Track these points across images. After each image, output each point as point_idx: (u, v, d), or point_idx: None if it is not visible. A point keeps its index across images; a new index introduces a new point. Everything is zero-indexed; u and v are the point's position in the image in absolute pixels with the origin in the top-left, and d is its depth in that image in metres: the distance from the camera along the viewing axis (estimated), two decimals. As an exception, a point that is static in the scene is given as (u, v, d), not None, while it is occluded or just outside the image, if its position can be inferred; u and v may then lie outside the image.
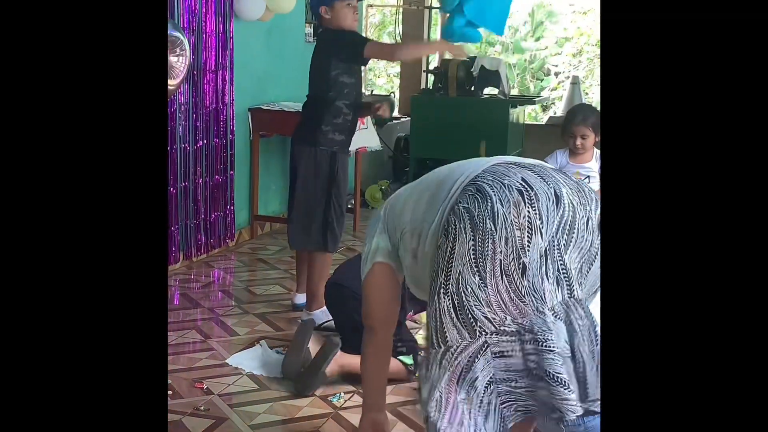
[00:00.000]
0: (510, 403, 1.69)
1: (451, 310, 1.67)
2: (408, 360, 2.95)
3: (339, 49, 3.43)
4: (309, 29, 5.81)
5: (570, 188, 1.71)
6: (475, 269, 1.65)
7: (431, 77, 8.11)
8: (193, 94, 4.37)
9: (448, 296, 1.67)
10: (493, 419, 1.68)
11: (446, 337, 1.68)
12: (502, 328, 1.64)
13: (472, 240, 1.65)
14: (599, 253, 1.70)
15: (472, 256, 1.65)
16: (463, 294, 1.66)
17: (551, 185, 1.69)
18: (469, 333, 1.66)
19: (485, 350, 1.66)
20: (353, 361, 2.81)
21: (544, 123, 8.60)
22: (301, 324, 3.10)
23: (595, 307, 2.14)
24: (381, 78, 12.16)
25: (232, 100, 4.72)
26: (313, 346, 2.95)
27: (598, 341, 1.65)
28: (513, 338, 1.65)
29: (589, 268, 1.70)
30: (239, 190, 4.94)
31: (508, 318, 1.64)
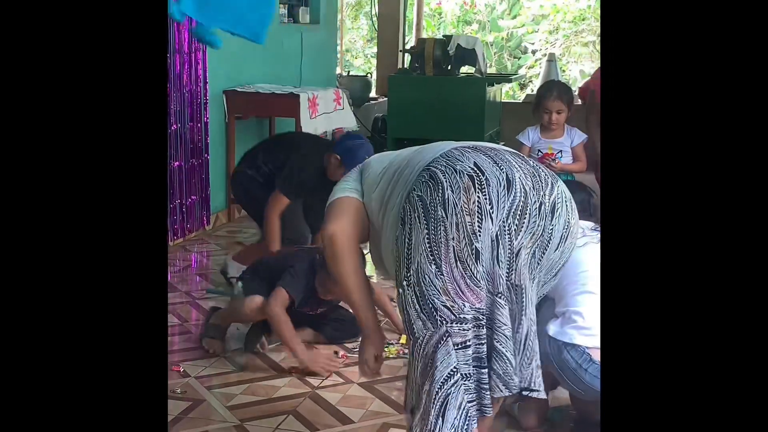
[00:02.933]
0: (474, 401, 1.69)
1: (415, 301, 1.68)
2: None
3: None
4: (284, 10, 5.77)
5: (524, 173, 1.71)
6: (431, 258, 1.66)
7: (408, 57, 8.10)
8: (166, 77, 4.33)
9: (410, 288, 1.69)
10: (454, 415, 1.67)
11: (413, 328, 1.70)
12: (461, 315, 1.66)
13: (426, 228, 1.66)
14: (554, 237, 1.72)
15: (427, 245, 1.67)
16: (423, 284, 1.68)
17: (504, 170, 1.68)
18: (432, 323, 1.67)
19: (446, 340, 1.67)
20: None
21: (521, 101, 8.61)
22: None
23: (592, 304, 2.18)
24: (358, 59, 12.10)
25: (206, 82, 4.69)
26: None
27: (521, 328, 1.70)
28: (471, 325, 1.67)
29: (543, 253, 1.71)
30: (215, 173, 4.91)
31: (466, 305, 1.66)
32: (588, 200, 2.62)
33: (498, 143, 2.62)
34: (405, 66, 8.07)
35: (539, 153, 3.75)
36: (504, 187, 1.66)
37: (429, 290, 1.67)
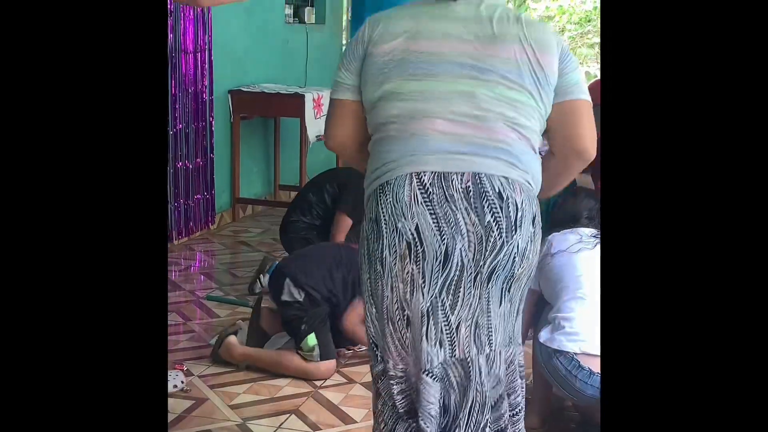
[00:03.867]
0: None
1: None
2: (310, 341, 2.82)
3: None
4: (289, 10, 5.78)
5: (469, 239, 1.54)
6: (372, 301, 1.65)
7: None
8: (171, 77, 4.34)
9: (366, 308, 1.70)
10: None
11: (368, 347, 1.72)
12: (388, 366, 1.64)
13: (367, 273, 1.64)
14: (504, 287, 1.61)
15: (369, 289, 1.65)
16: (367, 314, 1.68)
17: (445, 239, 1.53)
18: (374, 355, 1.68)
19: (385, 377, 1.66)
20: (250, 353, 2.89)
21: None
22: (255, 305, 3.10)
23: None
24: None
25: (212, 82, 4.70)
26: (270, 325, 3.01)
27: (466, 401, 1.61)
28: (399, 380, 1.64)
29: (488, 318, 1.60)
30: (220, 173, 4.92)
31: (390, 361, 1.63)
32: (596, 208, 2.61)
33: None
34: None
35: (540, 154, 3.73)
36: (440, 262, 1.55)
37: (370, 326, 1.68)
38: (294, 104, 4.88)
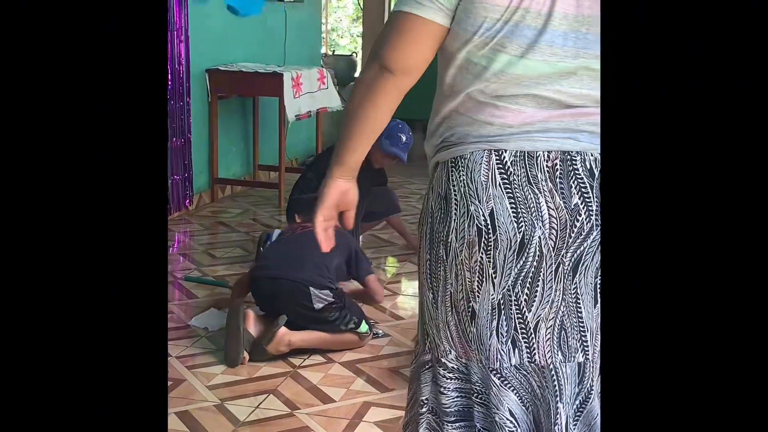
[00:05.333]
0: None
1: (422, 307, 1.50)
2: (363, 328, 2.93)
3: None
4: (267, -12, 5.71)
5: (553, 226, 1.36)
6: (429, 286, 1.45)
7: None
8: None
9: (423, 291, 1.50)
10: None
11: (419, 333, 1.53)
12: (442, 359, 1.45)
13: (428, 255, 1.44)
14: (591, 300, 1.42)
15: (427, 271, 1.45)
16: (423, 298, 1.48)
17: (522, 226, 1.35)
18: (421, 343, 1.50)
19: (426, 370, 1.48)
20: (305, 337, 2.81)
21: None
22: (231, 308, 2.87)
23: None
24: (344, 38, 12.02)
25: (188, 61, 4.64)
26: (254, 327, 2.82)
27: (558, 419, 1.40)
28: (451, 375, 1.45)
29: (578, 319, 1.41)
30: (198, 153, 4.87)
31: (452, 352, 1.44)
32: None
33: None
34: (391, 45, 8.03)
35: None
36: (514, 251, 1.36)
37: (425, 312, 1.48)
38: (273, 83, 4.84)
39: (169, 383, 2.58)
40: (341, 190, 1.44)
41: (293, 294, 2.80)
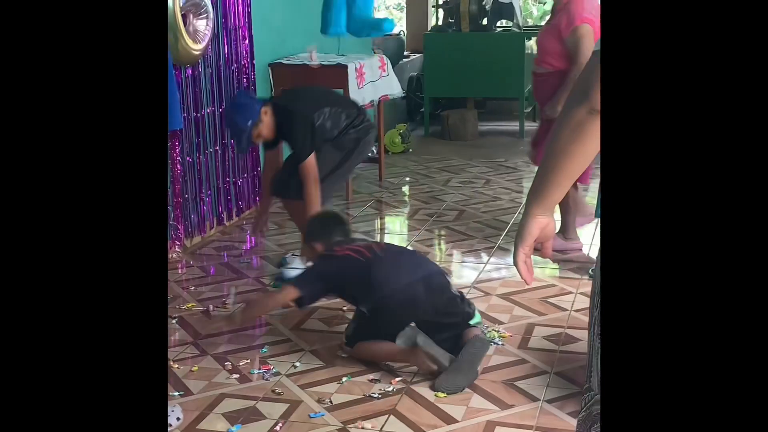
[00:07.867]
0: None
1: (600, 353, 1.44)
2: (477, 318, 2.93)
3: None
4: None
5: None
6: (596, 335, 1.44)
7: (441, 12, 7.91)
8: (216, 56, 4.23)
9: (599, 337, 1.46)
10: None
11: (592, 379, 1.50)
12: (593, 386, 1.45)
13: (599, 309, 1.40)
14: None
15: (597, 324, 1.44)
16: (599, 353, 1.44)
17: None
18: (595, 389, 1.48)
19: (592, 398, 1.47)
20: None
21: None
22: (478, 339, 2.75)
23: None
24: (380, 13, 11.85)
25: (253, 57, 4.58)
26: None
27: None
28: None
29: None
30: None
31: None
32: None
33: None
34: (438, 23, 7.90)
35: None
36: None
37: (597, 366, 1.46)
38: (337, 75, 4.76)
39: (286, 405, 2.56)
40: (541, 226, 1.49)
41: (431, 287, 2.75)
